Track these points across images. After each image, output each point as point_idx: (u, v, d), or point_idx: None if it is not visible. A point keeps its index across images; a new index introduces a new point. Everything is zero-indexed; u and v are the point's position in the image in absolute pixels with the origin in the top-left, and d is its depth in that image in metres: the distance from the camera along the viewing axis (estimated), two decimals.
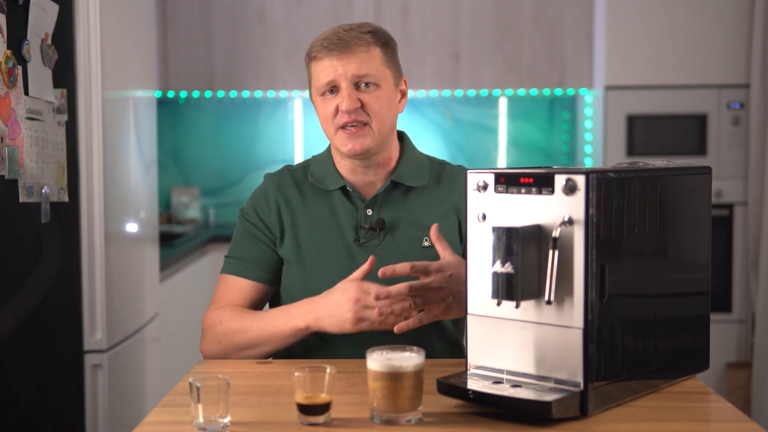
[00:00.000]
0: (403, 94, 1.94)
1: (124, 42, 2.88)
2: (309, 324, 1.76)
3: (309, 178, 1.95)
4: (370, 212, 1.90)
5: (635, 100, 4.09)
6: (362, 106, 1.84)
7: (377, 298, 1.68)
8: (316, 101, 1.90)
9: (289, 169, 2.00)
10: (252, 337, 1.82)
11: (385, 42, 1.88)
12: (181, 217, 4.64)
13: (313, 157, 2.02)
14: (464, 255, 1.81)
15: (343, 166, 1.92)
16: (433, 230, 1.78)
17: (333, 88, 1.85)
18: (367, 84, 1.84)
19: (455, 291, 1.71)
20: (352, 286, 1.72)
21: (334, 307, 1.73)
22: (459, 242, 1.90)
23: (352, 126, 1.84)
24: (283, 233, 1.92)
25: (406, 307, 1.70)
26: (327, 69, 1.84)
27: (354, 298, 1.70)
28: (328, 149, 1.97)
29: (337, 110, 1.85)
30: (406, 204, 1.91)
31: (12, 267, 2.26)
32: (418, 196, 1.92)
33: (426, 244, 1.88)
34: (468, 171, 1.53)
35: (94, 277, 2.65)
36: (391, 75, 1.89)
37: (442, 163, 2.00)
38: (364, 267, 1.74)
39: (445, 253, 1.75)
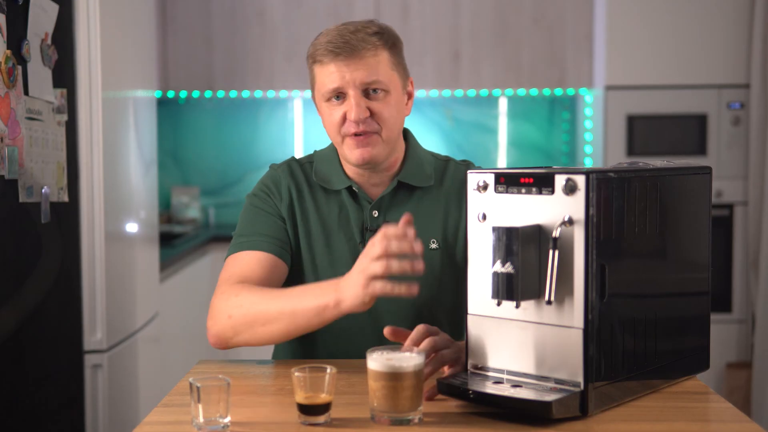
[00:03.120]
0: (410, 96, 1.86)
1: (124, 42, 2.88)
2: (337, 300, 1.55)
3: (314, 177, 1.89)
4: (376, 214, 1.85)
5: (635, 100, 4.09)
6: (371, 114, 1.76)
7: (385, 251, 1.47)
8: (321, 106, 1.82)
9: (297, 161, 1.93)
10: (271, 311, 1.65)
11: (392, 43, 1.80)
12: (181, 217, 4.64)
13: (316, 153, 1.95)
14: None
15: (349, 166, 1.86)
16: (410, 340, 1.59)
17: (339, 95, 1.77)
18: (375, 90, 1.76)
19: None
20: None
21: (351, 276, 1.55)
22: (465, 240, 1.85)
23: (361, 134, 1.77)
24: (295, 227, 1.86)
25: (416, 252, 1.46)
26: (333, 75, 1.75)
27: (361, 256, 1.53)
28: (333, 146, 1.91)
29: (344, 118, 1.77)
30: (413, 205, 1.86)
31: (12, 267, 2.26)
32: (424, 196, 1.87)
33: (433, 246, 1.84)
34: (468, 171, 1.53)
35: (94, 277, 2.65)
36: (398, 78, 1.81)
37: (446, 160, 1.94)
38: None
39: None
